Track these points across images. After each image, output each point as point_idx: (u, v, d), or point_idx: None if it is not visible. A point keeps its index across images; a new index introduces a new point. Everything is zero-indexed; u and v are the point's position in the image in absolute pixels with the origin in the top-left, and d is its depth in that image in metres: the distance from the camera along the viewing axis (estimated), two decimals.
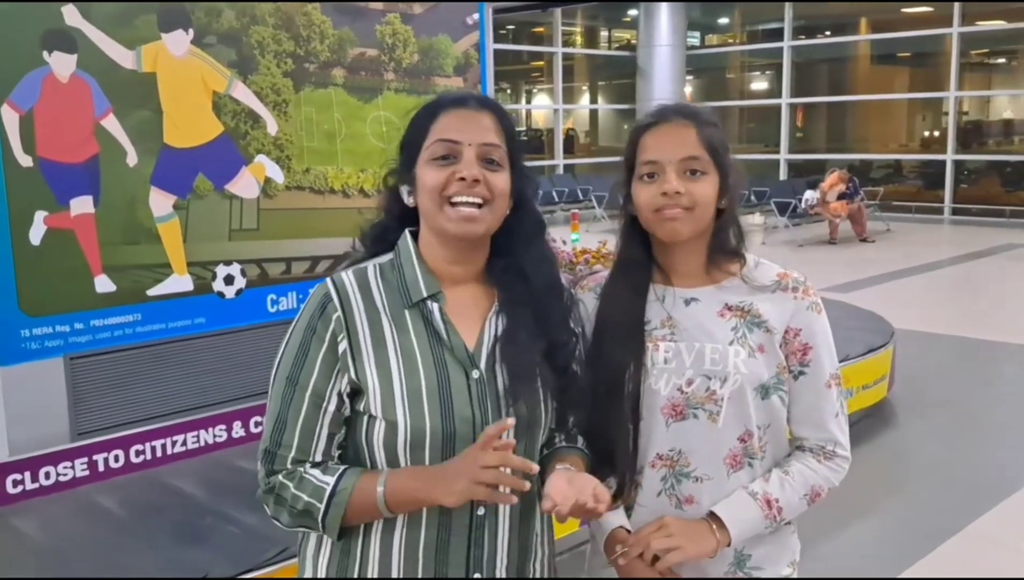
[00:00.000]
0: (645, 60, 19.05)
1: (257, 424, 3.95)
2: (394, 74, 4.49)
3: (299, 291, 4.18)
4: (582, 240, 6.80)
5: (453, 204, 1.40)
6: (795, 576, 1.67)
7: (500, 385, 1.43)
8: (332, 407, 1.42)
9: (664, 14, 18.77)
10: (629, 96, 19.93)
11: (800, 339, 1.57)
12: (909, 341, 6.61)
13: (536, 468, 1.34)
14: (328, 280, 1.47)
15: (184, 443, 3.74)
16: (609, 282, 1.64)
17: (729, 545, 1.55)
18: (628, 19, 20.77)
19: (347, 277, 1.47)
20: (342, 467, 1.43)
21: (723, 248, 1.60)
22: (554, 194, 15.60)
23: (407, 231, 1.51)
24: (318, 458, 1.43)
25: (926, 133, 18.99)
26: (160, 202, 3.74)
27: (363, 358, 1.41)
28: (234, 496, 3.30)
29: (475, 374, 1.42)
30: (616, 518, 1.60)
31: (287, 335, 1.47)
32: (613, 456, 1.57)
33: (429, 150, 1.43)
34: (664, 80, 18.66)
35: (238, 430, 3.91)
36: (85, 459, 3.49)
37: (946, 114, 17.16)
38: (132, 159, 3.65)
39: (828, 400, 1.59)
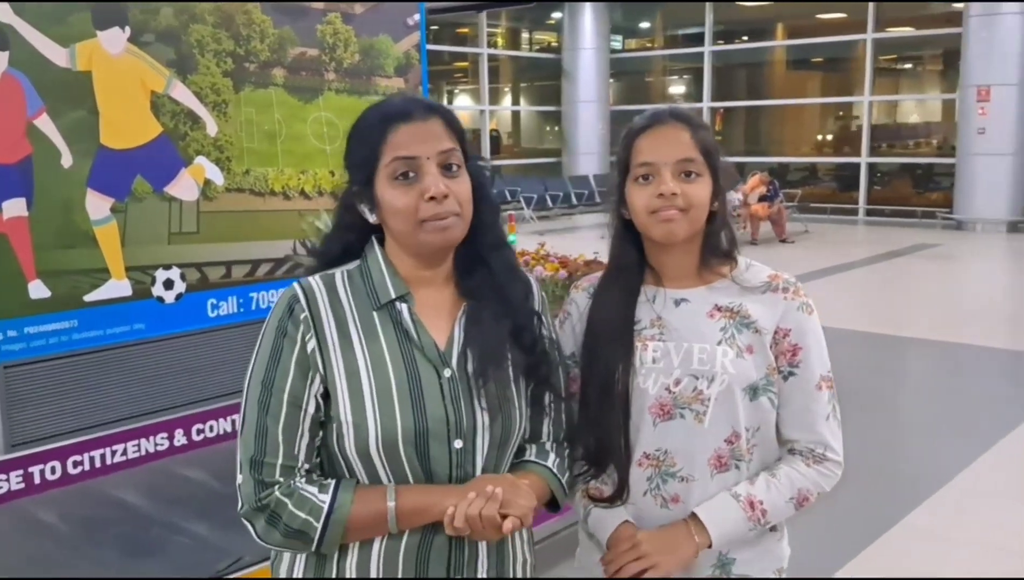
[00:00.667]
0: (570, 62, 19.22)
1: (199, 432, 3.86)
2: (335, 74, 4.43)
3: (239, 295, 4.09)
4: (519, 242, 6.82)
5: (427, 222, 1.42)
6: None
7: (473, 383, 1.44)
8: (311, 409, 1.41)
9: (588, 17, 18.99)
10: (552, 98, 20.07)
11: (790, 339, 1.60)
12: (831, 339, 6.80)
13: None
14: (295, 283, 1.47)
15: (124, 453, 3.63)
16: (602, 283, 1.67)
17: (710, 547, 1.55)
18: (552, 22, 20.92)
19: (314, 281, 1.48)
20: (333, 482, 1.41)
21: (715, 250, 1.63)
22: None
23: (373, 238, 1.52)
24: (304, 463, 1.41)
25: (828, 137, 19.55)
26: (97, 205, 3.62)
27: (331, 358, 1.41)
28: (180, 506, 3.23)
29: (447, 373, 1.43)
30: (616, 516, 1.59)
31: (258, 340, 1.47)
32: (606, 456, 1.59)
33: (388, 169, 1.42)
34: (589, 82, 18.87)
35: (180, 438, 3.81)
36: (20, 472, 3.36)
37: (856, 118, 17.72)
38: (67, 160, 3.52)
39: (819, 402, 1.61)
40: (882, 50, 17.56)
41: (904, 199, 17.18)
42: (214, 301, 4.02)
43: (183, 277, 3.90)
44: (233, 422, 4.02)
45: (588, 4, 18.90)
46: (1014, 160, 14.37)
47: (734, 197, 13.46)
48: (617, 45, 20.96)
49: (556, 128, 21.48)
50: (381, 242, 1.51)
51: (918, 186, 17.53)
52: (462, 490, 1.37)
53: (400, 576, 1.42)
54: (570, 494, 1.60)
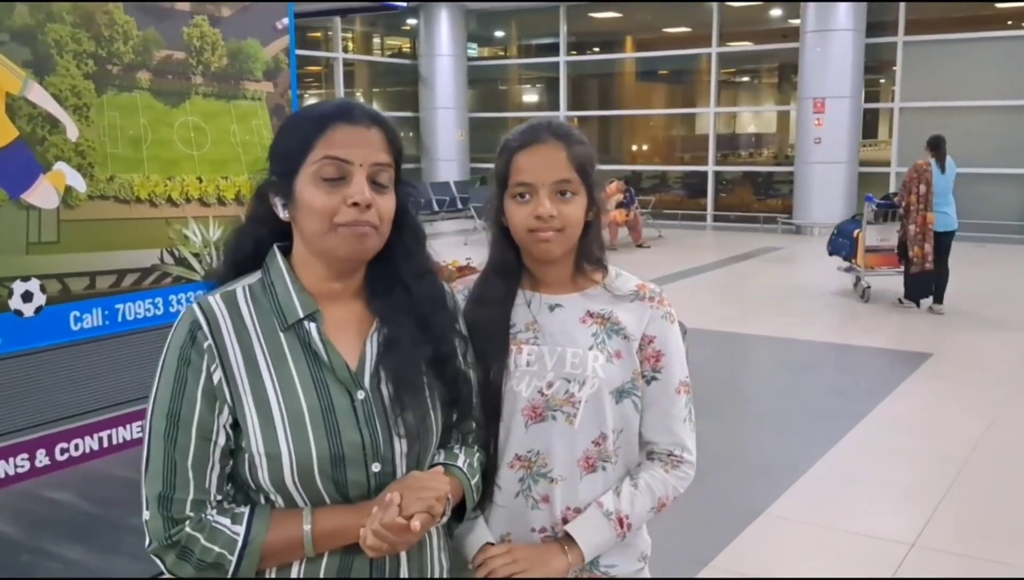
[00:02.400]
0: (427, 69, 19.22)
1: (63, 451, 3.67)
2: (202, 78, 4.31)
3: (104, 307, 3.91)
4: None
5: (343, 227, 1.36)
6: (646, 570, 1.76)
7: (387, 403, 1.40)
8: (221, 440, 1.36)
9: (444, 24, 19.05)
10: (407, 103, 20.02)
11: (654, 346, 1.68)
12: (688, 337, 7.09)
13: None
14: (195, 304, 1.40)
15: None
16: (479, 284, 1.70)
17: (582, 562, 1.62)
18: (407, 27, 20.86)
19: (215, 301, 1.40)
20: (246, 511, 1.36)
21: (588, 258, 1.70)
22: None
23: (275, 247, 1.45)
24: (216, 495, 1.36)
25: (677, 146, 20.33)
26: None
27: (239, 389, 1.36)
28: (49, 530, 3.08)
29: (360, 395, 1.39)
30: (481, 534, 1.63)
31: (159, 367, 1.39)
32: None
33: (315, 166, 1.36)
34: (446, 89, 18.92)
35: (42, 458, 3.61)
36: None
37: (698, 131, 18.48)
38: None
39: (677, 405, 1.70)
40: (724, 63, 18.39)
41: (748, 205, 18.06)
42: (77, 313, 3.83)
43: (43, 289, 3.70)
44: (100, 440, 3.85)
45: (444, 11, 18.97)
46: (847, 168, 15.34)
47: None
48: (473, 53, 21.11)
49: (411, 134, 21.43)
50: (284, 252, 1.45)
51: (760, 193, 18.46)
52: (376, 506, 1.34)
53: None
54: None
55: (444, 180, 18.07)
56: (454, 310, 1.56)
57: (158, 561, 1.35)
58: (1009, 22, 15.68)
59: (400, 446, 1.40)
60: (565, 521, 1.63)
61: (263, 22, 4.58)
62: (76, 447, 3.78)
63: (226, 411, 1.36)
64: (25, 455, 3.55)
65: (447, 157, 19.40)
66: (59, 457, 3.66)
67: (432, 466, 1.49)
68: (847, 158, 15.29)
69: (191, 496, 1.33)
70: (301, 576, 1.38)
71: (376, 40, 21.85)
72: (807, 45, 15.34)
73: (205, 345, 1.35)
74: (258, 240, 1.47)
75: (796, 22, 15.92)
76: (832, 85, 15.03)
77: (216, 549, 1.32)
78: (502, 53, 22.16)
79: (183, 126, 4.22)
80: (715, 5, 17.05)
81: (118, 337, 3.96)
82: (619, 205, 13.30)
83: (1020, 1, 15.67)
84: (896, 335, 8.06)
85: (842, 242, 9.76)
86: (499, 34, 21.97)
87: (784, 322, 8.54)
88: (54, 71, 3.70)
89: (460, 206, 16.58)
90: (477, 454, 1.58)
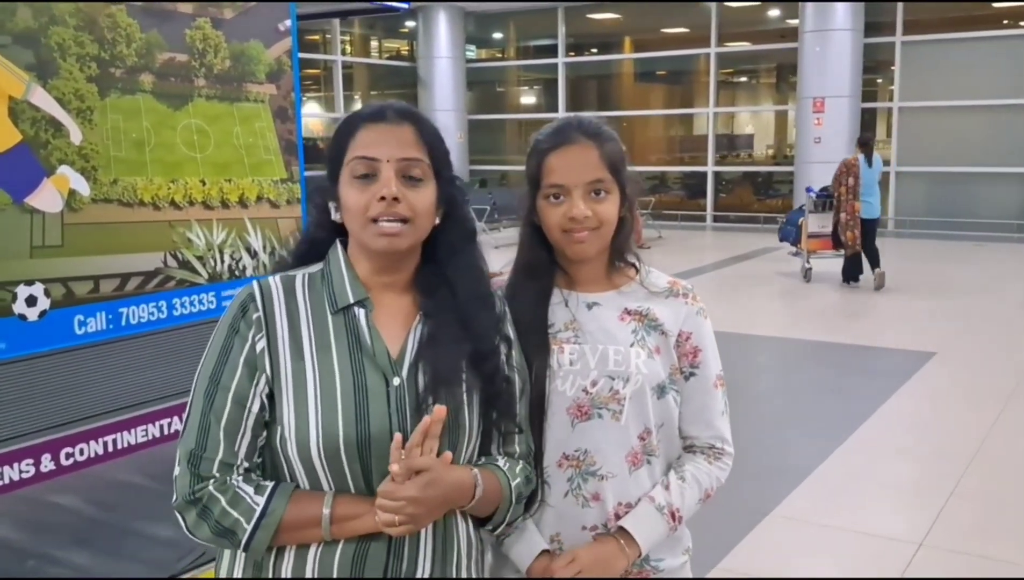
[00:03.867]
0: (425, 71, 19.21)
1: (68, 456, 3.65)
2: (205, 80, 4.29)
3: (108, 311, 3.90)
4: None
5: (375, 222, 1.41)
6: (688, 565, 1.78)
7: (421, 394, 1.43)
8: (256, 408, 1.41)
9: (442, 26, 19.05)
10: None
11: (691, 342, 1.71)
12: None
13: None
14: (254, 282, 1.48)
15: None
16: (512, 285, 1.69)
17: (639, 557, 1.63)
18: (405, 30, 20.86)
19: (273, 281, 1.48)
20: (271, 485, 1.40)
21: (622, 255, 1.71)
22: None
23: (337, 241, 1.51)
24: (244, 462, 1.41)
25: (676, 146, 20.34)
26: None
27: (279, 361, 1.41)
28: (54, 534, 3.06)
29: (395, 381, 1.42)
30: (534, 541, 1.63)
31: (212, 334, 1.47)
32: None
33: (349, 167, 1.43)
34: (445, 91, 18.92)
35: (47, 463, 3.59)
36: None
37: (696, 131, 18.47)
38: None
39: (716, 399, 1.74)
40: (723, 64, 18.39)
41: (746, 206, 18.06)
42: (81, 317, 3.82)
43: (47, 293, 3.68)
44: (105, 444, 3.83)
45: (443, 13, 18.96)
46: None
47: None
48: (472, 55, 21.12)
49: None
50: (346, 246, 1.52)
51: (759, 193, 18.47)
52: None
53: (335, 577, 1.40)
54: (517, 509, 1.57)
55: None
56: (501, 312, 1.58)
57: (180, 519, 1.40)
58: (1006, 21, 15.70)
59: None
60: (616, 516, 1.64)
61: (265, 24, 4.57)
62: (81, 452, 3.76)
63: (263, 381, 1.41)
64: (30, 460, 3.54)
65: None
66: (64, 462, 3.64)
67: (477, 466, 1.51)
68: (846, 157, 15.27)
69: (219, 457, 1.39)
70: (318, 557, 1.40)
71: (374, 43, 21.85)
72: (806, 45, 15.35)
73: (255, 317, 1.43)
74: (313, 242, 1.54)
75: (795, 22, 15.93)
76: (831, 85, 15.04)
77: (234, 515, 1.36)
78: (500, 55, 22.17)
79: (186, 129, 4.21)
80: (713, 5, 17.06)
81: (122, 341, 3.94)
82: None
83: (1016, 0, 15.69)
84: (894, 334, 8.06)
85: (789, 229, 11.03)
86: (497, 36, 21.97)
87: (787, 322, 8.54)
88: (57, 74, 3.69)
89: None
90: (520, 464, 1.57)
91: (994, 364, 6.90)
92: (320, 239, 1.54)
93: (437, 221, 1.49)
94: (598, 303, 1.68)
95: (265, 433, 1.43)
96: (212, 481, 1.38)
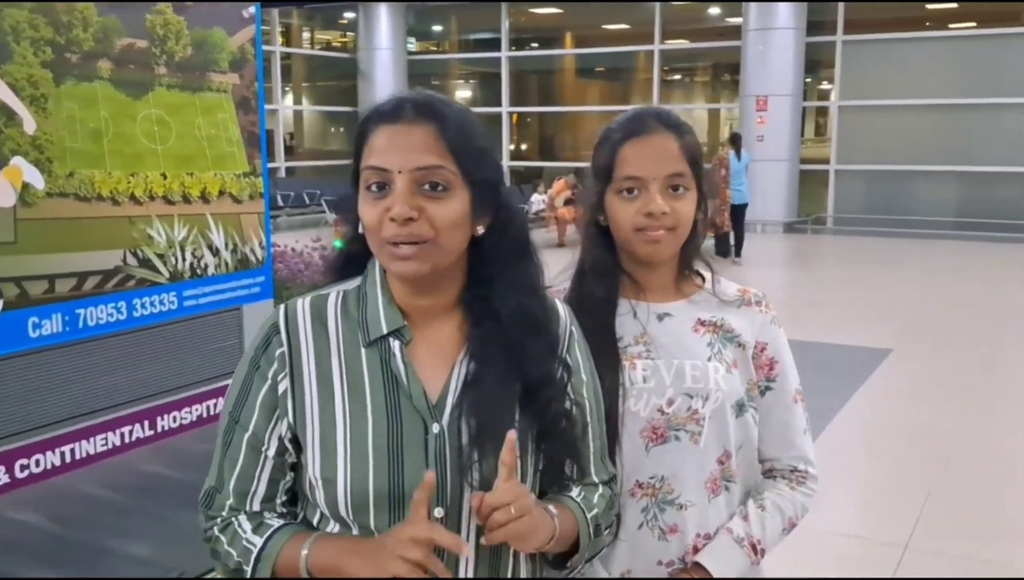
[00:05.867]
0: (366, 63, 18.93)
1: (24, 467, 3.43)
2: (166, 68, 4.08)
3: (65, 312, 3.66)
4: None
5: (389, 243, 1.20)
6: None
7: (464, 442, 1.22)
8: (272, 452, 1.26)
9: (383, 18, 18.78)
10: (339, 99, 19.71)
11: (767, 354, 1.55)
12: None
13: (466, 549, 1.17)
14: (280, 307, 1.29)
15: None
16: (574, 292, 1.52)
17: None
18: (344, 21, 20.52)
19: (302, 305, 1.28)
20: (276, 525, 1.26)
21: (691, 263, 1.55)
22: (279, 199, 15.03)
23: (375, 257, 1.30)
24: (255, 507, 1.27)
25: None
26: None
27: (304, 403, 1.24)
28: (16, 554, 2.84)
29: (435, 428, 1.22)
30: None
31: (240, 360, 1.31)
32: None
33: (363, 178, 1.22)
34: (387, 84, 18.66)
35: (1, 476, 3.36)
36: None
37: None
38: None
39: (796, 416, 1.57)
40: (666, 61, 18.45)
41: None
42: (36, 319, 3.57)
43: None
44: (63, 454, 3.61)
45: (383, 5, 18.68)
46: (789, 165, 15.49)
47: (539, 200, 13.82)
48: (412, 47, 20.85)
49: (341, 129, 21.11)
50: None
51: None
52: (378, 549, 1.15)
53: None
54: (599, 543, 1.37)
55: None
56: (563, 334, 1.34)
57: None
58: (950, 24, 16.06)
59: (470, 496, 1.21)
60: (696, 550, 1.48)
61: (229, 10, 4.36)
62: (37, 463, 3.52)
63: (285, 425, 1.25)
64: None
65: None
66: (19, 474, 3.42)
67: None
68: (789, 156, 15.45)
69: (230, 501, 1.28)
70: None
71: (307, 34, 21.44)
72: (749, 43, 15.46)
73: (277, 352, 1.25)
74: (349, 256, 1.33)
75: (737, 21, 16.05)
76: (774, 83, 15.17)
77: (235, 556, 1.25)
78: (434, 48, 21.95)
79: (146, 119, 3.98)
80: (657, 4, 17.10)
81: (80, 344, 3.71)
82: (567, 202, 13.21)
83: (951, 2, 16.07)
84: (845, 332, 8.13)
85: None
86: (437, 28, 21.75)
87: None
88: (11, 59, 3.44)
89: None
90: (600, 490, 1.36)
91: (949, 362, 6.99)
92: (355, 252, 1.32)
93: (480, 231, 1.25)
94: (669, 314, 1.52)
95: (291, 475, 1.28)
96: (218, 521, 1.28)
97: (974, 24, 15.58)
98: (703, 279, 1.57)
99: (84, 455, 3.66)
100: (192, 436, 4.03)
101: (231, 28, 4.35)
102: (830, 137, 16.46)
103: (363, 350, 1.25)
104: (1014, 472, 4.67)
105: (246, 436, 1.26)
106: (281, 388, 1.24)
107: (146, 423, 3.85)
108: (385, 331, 1.25)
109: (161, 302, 4.01)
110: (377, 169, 1.20)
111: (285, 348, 1.25)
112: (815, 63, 16.27)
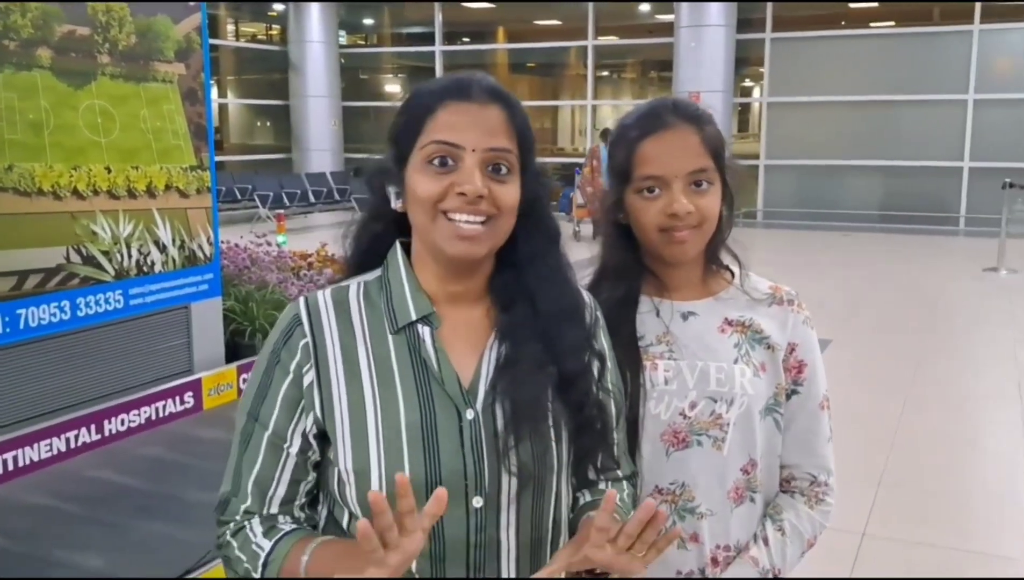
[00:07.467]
0: (297, 56, 18.63)
1: None
2: (109, 57, 3.92)
3: (4, 313, 3.50)
4: (288, 243, 6.45)
5: (450, 218, 1.17)
6: None
7: (500, 427, 1.20)
8: (294, 450, 1.21)
9: (314, 10, 18.49)
10: (267, 92, 19.36)
11: (796, 355, 1.48)
12: None
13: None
14: (301, 299, 1.25)
15: None
16: (594, 292, 1.44)
17: None
18: (274, 13, 20.14)
19: (323, 296, 1.25)
20: (286, 529, 1.21)
21: (718, 257, 1.49)
22: None
23: (398, 243, 1.28)
24: (273, 509, 1.22)
25: (557, 138, 20.51)
26: None
27: (332, 394, 1.20)
28: None
29: (469, 414, 1.19)
30: None
31: (258, 357, 1.26)
32: None
33: (424, 152, 1.18)
34: (318, 77, 18.43)
35: None
36: None
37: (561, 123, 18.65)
38: None
39: (821, 423, 1.51)
40: (599, 56, 18.56)
41: None
42: None
43: None
44: (3, 462, 3.43)
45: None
46: None
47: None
48: (343, 41, 20.57)
49: (268, 123, 20.71)
50: (406, 248, 1.28)
51: None
52: (367, 555, 1.06)
53: None
54: None
55: (318, 171, 17.52)
56: (592, 324, 1.32)
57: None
58: (871, 23, 16.48)
59: (509, 483, 1.19)
60: (715, 561, 1.44)
61: None
62: None
63: (310, 420, 1.20)
64: None
65: (320, 147, 18.82)
66: None
67: (579, 508, 1.30)
68: None
69: (246, 505, 1.22)
70: None
71: (231, 27, 20.96)
72: (682, 40, 15.64)
73: (301, 343, 1.21)
74: (375, 236, 1.29)
75: (668, 18, 16.21)
76: (706, 80, 15.37)
77: (245, 562, 1.21)
78: (362, 41, 21.69)
79: (89, 110, 3.82)
80: (590, 3, 17.20)
81: (20, 346, 3.55)
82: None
83: (872, 1, 16.49)
84: None
85: (564, 201, 14.21)
86: (369, 22, 21.50)
87: None
88: None
89: (337, 198, 16.08)
90: (628, 490, 1.36)
91: (886, 349, 7.16)
92: (376, 234, 1.29)
93: (513, 223, 1.24)
94: (694, 312, 1.46)
95: (314, 476, 1.23)
96: (231, 526, 1.23)
97: (892, 23, 16.02)
98: (732, 274, 1.51)
99: (27, 462, 3.50)
100: (141, 439, 3.89)
101: (176, 16, 4.21)
102: (757, 133, 16.74)
103: (390, 337, 1.22)
104: (956, 456, 4.81)
105: (266, 435, 1.21)
106: (306, 381, 1.20)
107: (92, 427, 3.70)
108: (414, 317, 1.22)
109: (106, 301, 3.86)
110: (447, 144, 1.17)
111: (309, 339, 1.21)
112: (744, 60, 16.54)
